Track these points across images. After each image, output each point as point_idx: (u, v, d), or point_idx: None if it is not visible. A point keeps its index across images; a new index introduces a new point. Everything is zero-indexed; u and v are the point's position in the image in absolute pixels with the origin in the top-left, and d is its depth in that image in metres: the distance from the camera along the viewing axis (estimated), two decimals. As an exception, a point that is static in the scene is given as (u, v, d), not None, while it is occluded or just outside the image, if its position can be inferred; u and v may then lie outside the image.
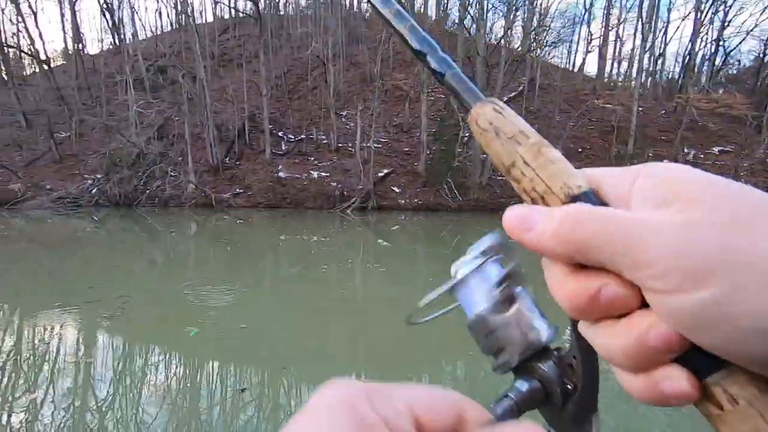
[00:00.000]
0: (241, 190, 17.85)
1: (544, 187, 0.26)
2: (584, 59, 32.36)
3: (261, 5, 22.16)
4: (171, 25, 33.04)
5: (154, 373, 3.92)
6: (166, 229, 13.27)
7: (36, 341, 4.83)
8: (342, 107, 21.84)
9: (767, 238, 0.19)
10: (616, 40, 28.61)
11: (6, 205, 17.40)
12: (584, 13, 27.90)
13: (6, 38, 24.94)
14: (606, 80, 27.26)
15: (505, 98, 21.17)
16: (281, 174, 18.41)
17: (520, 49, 25.69)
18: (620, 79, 28.02)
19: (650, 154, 18.13)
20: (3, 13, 24.09)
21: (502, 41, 20.56)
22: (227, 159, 19.48)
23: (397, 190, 17.75)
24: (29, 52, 25.86)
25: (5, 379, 3.91)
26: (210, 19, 32.79)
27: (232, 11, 30.73)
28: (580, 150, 19.78)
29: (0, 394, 3.63)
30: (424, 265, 8.97)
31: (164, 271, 8.31)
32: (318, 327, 5.15)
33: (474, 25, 19.63)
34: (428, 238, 11.99)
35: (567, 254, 0.23)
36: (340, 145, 19.95)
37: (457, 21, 23.35)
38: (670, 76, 31.43)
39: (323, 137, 20.51)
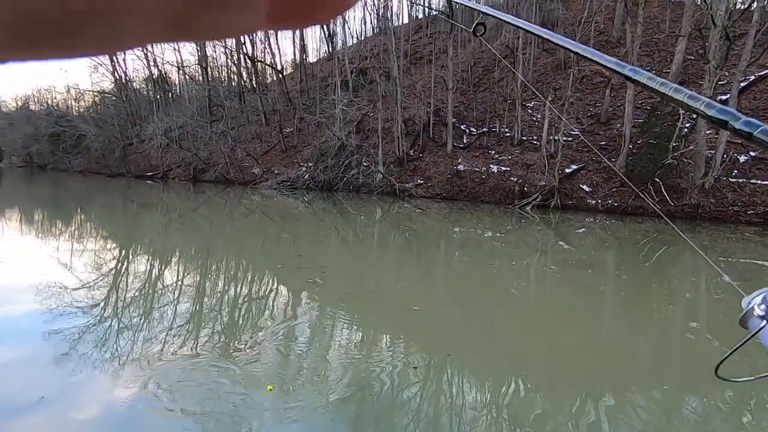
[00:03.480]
0: (422, 181, 18.85)
1: None
2: None
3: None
4: (372, 30, 36.76)
5: (338, 336, 4.57)
6: (356, 213, 15.09)
7: (261, 292, 6.21)
8: (529, 98, 20.62)
9: None
10: None
11: (249, 184, 23.04)
12: None
13: (256, 55, 32.16)
14: None
15: (752, 77, 16.39)
16: (460, 167, 18.64)
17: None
18: None
19: None
20: (256, 35, 31.09)
21: (755, 3, 15.82)
22: (412, 151, 20.80)
23: (587, 189, 15.88)
24: (270, 65, 32.66)
25: (240, 319, 5.16)
26: (405, 20, 35.16)
27: (426, 11, 32.25)
28: None
29: (234, 330, 4.82)
30: (611, 278, 7.84)
31: (353, 250, 9.50)
32: (481, 322, 5.11)
33: (711, -12, 15.70)
34: (621, 247, 10.39)
35: None
36: (524, 138, 18.96)
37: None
38: None
39: (506, 130, 19.82)
